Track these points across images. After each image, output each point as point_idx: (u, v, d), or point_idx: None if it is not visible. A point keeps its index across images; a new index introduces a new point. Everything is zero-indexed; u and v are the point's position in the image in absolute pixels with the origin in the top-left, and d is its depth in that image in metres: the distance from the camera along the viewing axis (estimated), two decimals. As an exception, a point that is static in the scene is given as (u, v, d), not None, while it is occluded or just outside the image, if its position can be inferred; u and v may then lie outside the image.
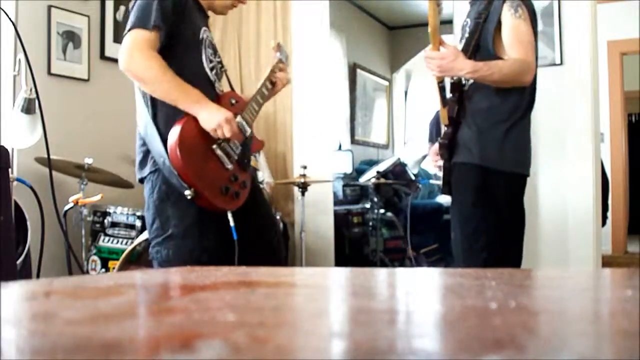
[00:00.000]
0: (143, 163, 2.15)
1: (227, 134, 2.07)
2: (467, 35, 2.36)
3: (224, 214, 2.12)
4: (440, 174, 2.53)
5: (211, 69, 2.21)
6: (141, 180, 2.17)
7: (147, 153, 2.13)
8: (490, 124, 2.31)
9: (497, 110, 2.31)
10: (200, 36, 2.18)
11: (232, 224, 2.10)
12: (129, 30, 2.02)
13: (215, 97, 2.19)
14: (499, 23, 2.26)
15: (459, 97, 2.38)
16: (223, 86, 2.32)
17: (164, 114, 2.06)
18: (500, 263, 2.21)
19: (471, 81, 2.34)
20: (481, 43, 2.30)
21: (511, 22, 2.24)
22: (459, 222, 2.36)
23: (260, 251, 2.23)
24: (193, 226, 2.09)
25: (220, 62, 2.30)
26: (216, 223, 2.13)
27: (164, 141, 2.05)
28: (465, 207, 2.33)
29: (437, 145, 2.50)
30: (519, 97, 2.33)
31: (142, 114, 2.12)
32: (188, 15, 2.13)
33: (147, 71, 2.01)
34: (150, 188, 2.11)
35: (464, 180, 2.34)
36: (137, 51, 2.00)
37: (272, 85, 2.40)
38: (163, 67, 2.01)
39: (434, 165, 2.59)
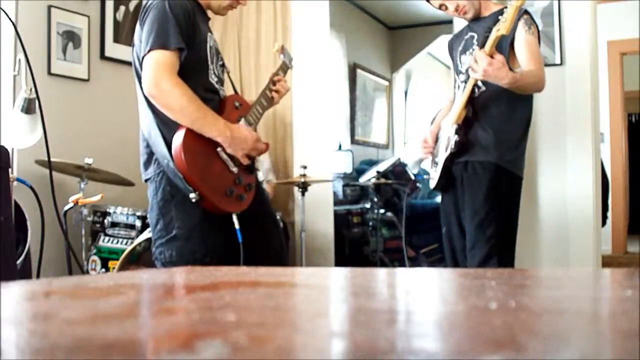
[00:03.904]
0: (147, 164, 2.15)
1: (256, 155, 2.18)
2: (477, 46, 2.53)
3: (229, 216, 2.11)
4: (428, 161, 2.82)
5: (216, 81, 2.22)
6: (147, 181, 2.18)
7: (151, 154, 2.13)
8: (505, 130, 2.55)
9: (510, 119, 2.56)
10: (208, 47, 2.18)
11: (237, 226, 2.10)
12: (150, 50, 2.01)
13: (219, 102, 2.20)
14: (513, 37, 2.48)
15: (470, 101, 2.57)
16: (225, 87, 2.32)
17: (167, 117, 2.06)
18: (503, 253, 2.50)
19: (483, 89, 2.54)
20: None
21: (526, 38, 2.49)
22: (470, 214, 2.54)
23: (266, 254, 2.23)
24: (197, 228, 2.09)
25: (222, 65, 2.30)
26: (221, 225, 2.13)
27: (168, 144, 2.05)
28: (477, 200, 2.53)
29: (425, 135, 2.78)
30: (528, 111, 2.61)
31: (145, 117, 2.12)
32: (197, 25, 2.13)
33: (174, 100, 2.01)
34: (154, 189, 2.12)
35: (480, 176, 2.54)
36: (162, 78, 1.99)
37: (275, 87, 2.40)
38: (189, 95, 2.02)
39: (423, 152, 2.81)
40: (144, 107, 2.12)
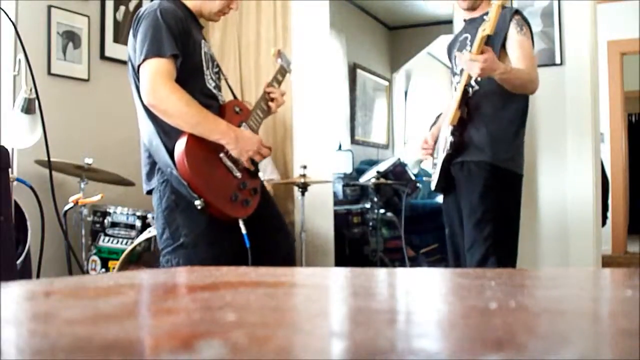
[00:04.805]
0: (150, 175, 2.14)
1: (260, 159, 2.16)
2: (469, 48, 2.53)
3: (235, 221, 2.11)
4: (428, 163, 2.85)
5: (214, 86, 2.22)
6: (149, 192, 2.17)
7: (153, 165, 2.12)
8: (499, 128, 2.55)
9: (503, 116, 2.56)
10: (202, 53, 2.18)
11: (244, 231, 2.09)
12: (145, 59, 2.01)
13: (219, 108, 2.19)
14: (505, 38, 2.50)
15: (465, 101, 2.57)
16: (224, 92, 2.32)
17: (168, 125, 2.05)
18: (502, 252, 2.50)
19: (477, 88, 2.54)
20: None
21: (517, 38, 2.50)
22: (467, 214, 2.55)
23: (274, 257, 2.22)
24: (203, 235, 2.08)
25: (218, 72, 2.29)
26: (228, 231, 2.12)
27: (170, 152, 2.04)
28: (474, 200, 2.53)
29: (426, 136, 2.79)
30: (522, 105, 2.60)
31: (146, 127, 2.11)
32: (189, 31, 2.13)
33: (174, 106, 2.00)
34: (159, 198, 2.11)
35: (475, 176, 2.54)
36: (160, 85, 1.99)
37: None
38: (187, 100, 2.01)
39: (424, 153, 2.83)
40: (143, 117, 2.11)
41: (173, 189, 2.06)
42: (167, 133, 2.06)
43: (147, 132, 2.11)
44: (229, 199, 2.09)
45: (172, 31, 2.03)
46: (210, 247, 2.09)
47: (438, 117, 2.90)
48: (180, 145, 2.02)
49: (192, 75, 2.12)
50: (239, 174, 2.13)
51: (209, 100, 2.15)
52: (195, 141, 2.04)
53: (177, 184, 2.03)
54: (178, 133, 2.04)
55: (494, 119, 2.54)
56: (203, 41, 2.22)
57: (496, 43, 2.47)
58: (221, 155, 2.10)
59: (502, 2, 2.33)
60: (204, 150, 2.06)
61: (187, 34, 2.10)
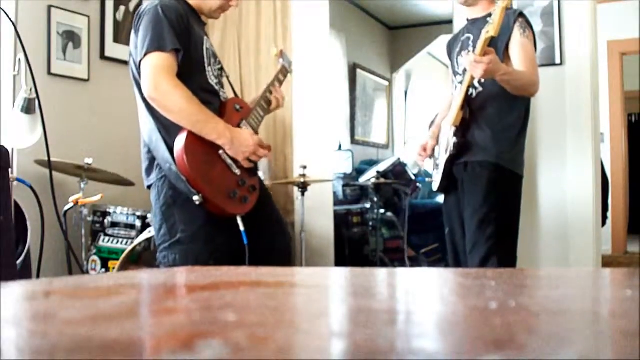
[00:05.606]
0: (149, 170, 2.15)
1: (257, 160, 2.16)
2: (472, 48, 2.54)
3: (233, 218, 2.11)
4: (427, 168, 2.86)
5: (216, 83, 2.22)
6: (149, 187, 2.17)
7: (152, 160, 2.13)
8: (502, 129, 2.56)
9: (506, 117, 2.56)
10: (204, 49, 2.18)
11: (242, 228, 2.10)
12: (146, 53, 2.01)
13: (220, 105, 2.20)
14: (508, 40, 2.50)
15: (467, 102, 2.57)
16: (226, 90, 2.32)
17: (168, 121, 2.06)
18: (503, 252, 2.50)
19: (480, 89, 2.55)
20: None
21: (521, 41, 2.51)
22: (470, 214, 2.55)
23: (271, 255, 2.22)
24: (201, 231, 2.09)
25: (221, 69, 2.30)
26: (226, 228, 2.12)
27: (170, 148, 2.04)
28: (477, 199, 2.53)
29: (427, 140, 2.78)
30: (525, 108, 2.61)
31: (146, 122, 2.12)
32: (191, 27, 2.13)
33: (175, 102, 2.01)
34: (157, 194, 2.11)
35: (479, 176, 2.54)
36: (162, 80, 1.99)
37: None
38: (188, 97, 2.01)
39: (419, 160, 2.84)
40: (144, 113, 2.12)
41: (171, 185, 2.07)
42: (167, 129, 2.06)
43: (147, 128, 2.11)
44: (228, 195, 2.10)
45: (173, 26, 2.04)
46: (208, 244, 2.09)
47: (436, 116, 2.89)
48: (180, 141, 2.03)
49: (193, 71, 2.12)
50: (237, 171, 2.14)
51: (210, 97, 2.15)
52: (195, 137, 2.04)
53: (176, 180, 2.03)
54: (178, 129, 2.04)
55: (498, 121, 2.55)
56: (205, 37, 2.22)
57: (500, 45, 2.47)
58: (220, 152, 2.10)
59: (506, 4, 2.33)
60: (204, 146, 2.06)
61: (188, 30, 2.10)
